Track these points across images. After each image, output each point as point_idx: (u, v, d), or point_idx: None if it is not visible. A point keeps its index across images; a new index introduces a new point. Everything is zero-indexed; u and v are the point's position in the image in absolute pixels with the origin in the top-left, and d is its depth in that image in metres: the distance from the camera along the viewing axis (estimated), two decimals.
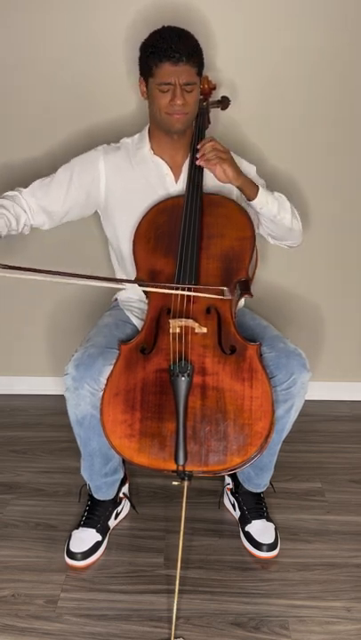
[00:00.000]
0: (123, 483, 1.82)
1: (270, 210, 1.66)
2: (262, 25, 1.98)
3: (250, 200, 1.65)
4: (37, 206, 1.71)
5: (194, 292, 1.53)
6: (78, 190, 1.73)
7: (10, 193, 1.71)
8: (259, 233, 1.76)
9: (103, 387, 1.50)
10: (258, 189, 1.63)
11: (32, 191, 1.72)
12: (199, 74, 1.63)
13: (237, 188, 1.64)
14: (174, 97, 1.58)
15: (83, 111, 2.08)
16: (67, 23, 1.99)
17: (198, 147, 1.65)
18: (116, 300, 1.90)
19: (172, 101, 1.59)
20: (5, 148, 2.17)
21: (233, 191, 1.71)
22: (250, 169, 1.78)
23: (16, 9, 1.98)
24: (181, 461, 1.38)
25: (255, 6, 1.96)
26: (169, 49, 1.54)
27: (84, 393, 1.52)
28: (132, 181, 1.73)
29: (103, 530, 1.72)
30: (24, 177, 1.94)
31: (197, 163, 1.64)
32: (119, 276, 1.88)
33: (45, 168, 1.81)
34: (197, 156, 1.63)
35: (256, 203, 1.64)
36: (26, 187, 1.73)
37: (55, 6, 1.97)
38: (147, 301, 1.62)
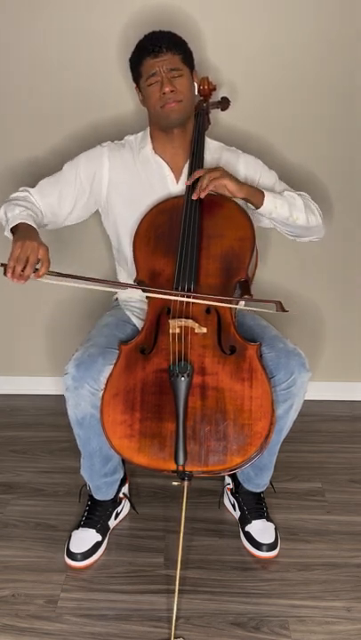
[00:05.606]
0: (122, 483, 1.82)
1: (281, 214, 1.63)
2: (261, 24, 1.99)
3: (257, 208, 1.63)
4: (46, 205, 1.70)
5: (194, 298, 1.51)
6: (84, 186, 1.73)
7: (20, 194, 1.68)
8: (273, 230, 1.74)
9: (103, 386, 1.50)
10: (263, 196, 1.61)
11: (40, 190, 1.71)
12: (186, 62, 1.64)
13: (243, 199, 1.61)
14: (162, 85, 1.60)
15: (83, 110, 2.09)
16: (66, 23, 2.00)
17: (187, 183, 1.62)
18: (117, 299, 1.90)
19: (162, 91, 1.60)
20: (6, 148, 2.17)
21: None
22: (270, 175, 1.77)
23: (19, 9, 2.00)
24: (181, 461, 1.38)
25: (253, 6, 1.96)
26: (148, 45, 1.62)
27: (84, 392, 1.52)
28: (135, 179, 1.74)
29: (103, 530, 1.72)
30: (26, 176, 1.95)
31: (195, 197, 1.58)
32: (120, 275, 1.89)
33: (47, 167, 1.80)
34: (193, 197, 1.59)
35: (264, 210, 1.62)
36: (31, 186, 1.71)
37: (54, 7, 1.99)
38: (147, 301, 1.62)
